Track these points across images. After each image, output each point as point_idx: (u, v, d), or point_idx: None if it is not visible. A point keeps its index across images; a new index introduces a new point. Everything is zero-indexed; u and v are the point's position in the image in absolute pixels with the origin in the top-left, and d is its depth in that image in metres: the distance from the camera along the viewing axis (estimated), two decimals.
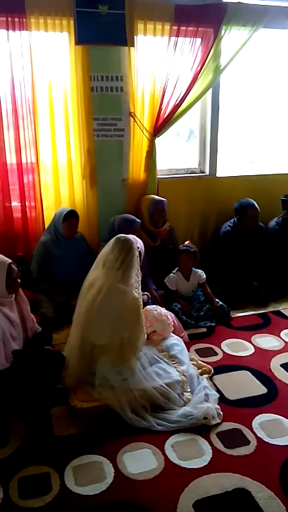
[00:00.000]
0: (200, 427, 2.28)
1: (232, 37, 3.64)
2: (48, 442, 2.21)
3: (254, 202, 3.78)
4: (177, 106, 3.58)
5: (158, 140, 3.68)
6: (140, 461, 2.09)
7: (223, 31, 3.58)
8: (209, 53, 3.58)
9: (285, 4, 3.79)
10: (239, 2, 3.63)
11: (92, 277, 2.54)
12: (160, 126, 3.58)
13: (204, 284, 3.53)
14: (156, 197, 3.63)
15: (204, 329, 3.34)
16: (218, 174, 4.09)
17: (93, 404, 2.32)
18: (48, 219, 3.46)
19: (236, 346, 3.12)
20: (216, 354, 3.01)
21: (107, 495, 1.91)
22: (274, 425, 2.33)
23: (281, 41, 4.00)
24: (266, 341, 3.20)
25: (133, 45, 3.37)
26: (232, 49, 3.67)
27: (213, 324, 3.39)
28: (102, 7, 3.24)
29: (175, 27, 3.43)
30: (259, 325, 3.43)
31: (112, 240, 2.52)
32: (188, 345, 3.02)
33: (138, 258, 2.58)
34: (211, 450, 2.15)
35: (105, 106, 3.48)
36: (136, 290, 2.49)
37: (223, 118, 4.05)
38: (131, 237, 2.55)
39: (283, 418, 2.39)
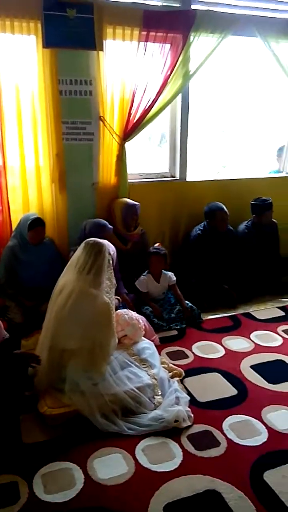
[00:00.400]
0: (171, 430, 2.28)
1: (201, 43, 3.69)
2: (16, 450, 2.17)
3: (223, 206, 3.83)
4: (146, 110, 3.59)
5: (129, 144, 3.68)
6: (111, 466, 2.07)
7: (192, 38, 3.62)
8: (178, 58, 3.61)
9: (254, 13, 3.87)
10: (207, 9, 3.69)
11: (63, 281, 2.52)
12: (130, 130, 3.59)
13: (174, 286, 3.55)
14: (129, 200, 3.64)
15: (175, 332, 3.35)
16: (188, 179, 4.12)
17: (62, 410, 2.29)
18: (15, 222, 3.41)
19: (207, 349, 3.14)
20: (187, 356, 3.02)
21: (77, 501, 1.88)
22: (244, 426, 2.35)
23: (250, 49, 4.07)
24: (236, 343, 3.23)
25: (102, 49, 3.37)
26: (201, 56, 3.71)
27: (184, 325, 3.41)
28: (70, 11, 3.23)
29: (144, 33, 3.45)
30: (230, 327, 3.47)
31: (82, 244, 2.50)
32: (159, 348, 3.02)
33: (110, 263, 2.57)
34: (181, 453, 2.15)
35: (74, 109, 3.46)
36: (108, 294, 2.48)
37: (194, 123, 4.09)
38: (102, 241, 2.54)
39: (252, 419, 2.41)
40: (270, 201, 4.03)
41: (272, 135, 4.90)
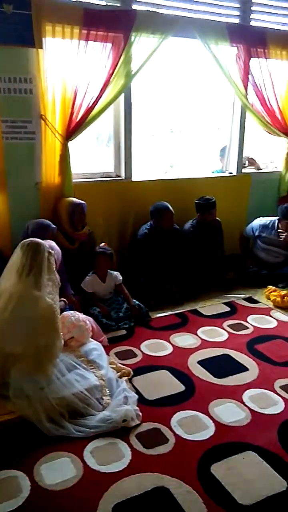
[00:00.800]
0: (120, 430, 2.28)
1: (143, 43, 3.71)
2: None
3: (168, 205, 3.88)
4: (89, 109, 3.56)
5: (76, 144, 3.63)
6: (58, 471, 2.04)
7: (133, 38, 3.63)
8: (120, 58, 3.61)
9: (194, 16, 3.94)
10: (148, 10, 3.71)
11: (3, 285, 2.44)
12: (73, 129, 3.55)
13: (121, 285, 3.56)
14: (75, 200, 3.59)
15: (124, 332, 3.35)
16: (134, 178, 4.13)
17: (5, 418, 2.22)
18: None
19: (155, 347, 3.16)
20: (135, 355, 3.03)
21: (22, 510, 1.83)
22: (192, 421, 2.39)
23: (195, 50, 4.13)
24: (183, 339, 3.28)
25: (41, 47, 3.30)
26: (143, 56, 3.73)
27: (132, 324, 3.42)
28: (6, 6, 3.14)
29: (84, 31, 3.41)
30: (177, 325, 3.52)
31: (18, 246, 2.45)
32: (108, 349, 3.01)
33: (53, 263, 2.53)
34: (130, 452, 2.16)
35: (13, 108, 3.37)
36: (50, 295, 2.43)
37: (142, 123, 4.11)
38: (39, 240, 2.49)
39: (200, 413, 2.46)
40: (213, 200, 4.12)
41: (216, 135, 5.02)
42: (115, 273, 3.54)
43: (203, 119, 5.14)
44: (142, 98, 4.34)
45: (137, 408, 2.41)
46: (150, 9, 3.73)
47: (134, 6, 3.65)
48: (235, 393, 2.65)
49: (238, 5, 4.18)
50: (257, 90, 4.38)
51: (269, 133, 4.64)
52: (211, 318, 3.64)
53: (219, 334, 3.39)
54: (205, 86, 4.68)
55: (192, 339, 3.30)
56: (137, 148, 4.12)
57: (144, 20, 3.63)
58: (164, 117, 5.04)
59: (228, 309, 3.83)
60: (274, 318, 3.67)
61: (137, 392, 2.60)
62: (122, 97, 3.82)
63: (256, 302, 4.00)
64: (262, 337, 3.35)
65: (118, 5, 3.62)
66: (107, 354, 2.90)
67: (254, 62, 4.30)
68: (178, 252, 4.01)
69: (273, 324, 3.58)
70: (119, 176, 4.09)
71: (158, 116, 5.03)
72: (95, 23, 3.43)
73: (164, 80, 4.50)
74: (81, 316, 2.85)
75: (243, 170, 4.79)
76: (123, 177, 4.06)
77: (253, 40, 4.20)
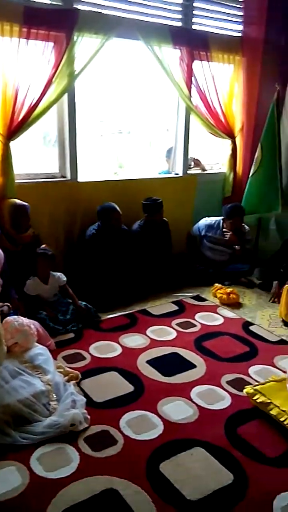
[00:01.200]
0: (68, 435, 2.25)
1: (86, 44, 3.67)
2: None
3: (116, 206, 3.87)
4: (32, 109, 3.48)
5: (21, 144, 3.54)
6: (4, 481, 1.97)
7: (75, 37, 3.59)
8: (62, 58, 3.55)
9: (137, 18, 3.96)
10: (90, 10, 3.69)
11: None
12: (15, 129, 3.45)
13: (65, 286, 3.49)
14: (18, 201, 3.50)
15: (72, 335, 3.30)
16: (80, 179, 4.08)
17: None
18: None
19: (104, 348, 3.14)
20: (84, 358, 3.00)
21: None
22: (141, 421, 2.40)
23: (140, 51, 4.15)
24: (133, 340, 3.28)
25: None
26: (86, 56, 3.70)
27: (80, 326, 3.38)
28: None
29: (25, 29, 3.33)
30: (127, 325, 3.52)
31: None
32: (55, 353, 2.96)
33: None
34: (78, 456, 2.13)
35: None
36: None
37: (90, 124, 4.07)
38: None
39: (149, 413, 2.47)
40: (160, 200, 4.16)
41: (164, 136, 5.07)
42: (58, 274, 3.48)
43: (152, 120, 5.18)
44: (89, 98, 4.31)
45: (85, 411, 2.39)
46: (93, 9, 3.71)
47: (76, 6, 3.61)
48: (183, 390, 2.68)
49: (180, 9, 4.24)
50: (200, 93, 4.46)
51: (213, 134, 4.74)
52: (160, 318, 3.67)
53: (168, 333, 3.42)
54: (151, 87, 4.72)
55: (141, 339, 3.31)
56: (85, 149, 4.08)
57: (87, 20, 3.60)
58: (113, 118, 5.04)
59: (176, 308, 3.88)
60: (220, 315, 3.76)
61: (86, 395, 2.58)
62: (65, 97, 3.77)
63: (203, 300, 4.07)
64: (209, 334, 3.42)
65: (60, 3, 3.56)
66: (55, 358, 2.85)
67: (197, 65, 4.38)
68: (127, 253, 4.01)
69: (219, 321, 3.66)
70: (64, 177, 4.03)
71: (106, 117, 5.01)
72: (36, 21, 3.35)
73: (111, 81, 4.50)
74: (25, 320, 2.78)
75: (189, 171, 4.86)
76: (69, 178, 4.00)
77: (195, 43, 4.27)
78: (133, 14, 3.95)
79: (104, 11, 3.77)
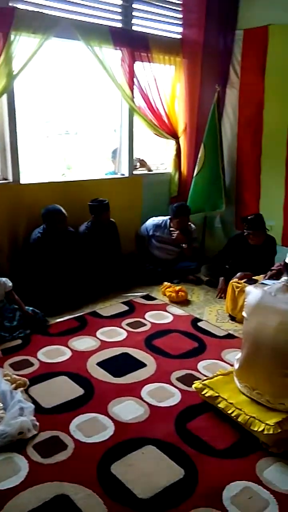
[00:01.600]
0: (16, 443, 2.19)
1: (24, 43, 3.60)
2: None
3: (61, 208, 3.82)
4: None
5: None
6: None
7: (12, 36, 3.51)
8: None
9: (77, 18, 3.92)
10: (27, 9, 3.61)
11: None
12: None
13: (11, 292, 3.39)
14: None
15: (20, 341, 3.22)
16: (23, 181, 3.99)
17: None
18: None
19: (53, 353, 3.09)
20: (32, 364, 2.93)
21: None
22: (91, 424, 2.38)
23: (82, 52, 4.11)
24: (82, 343, 3.25)
25: None
26: (25, 56, 3.63)
27: (28, 332, 3.30)
28: None
29: None
30: (76, 328, 3.47)
31: None
32: (1, 361, 2.89)
33: None
34: (27, 464, 2.08)
35: None
36: None
37: (35, 125, 3.98)
38: None
39: (99, 415, 2.45)
40: (106, 201, 4.15)
41: (112, 137, 5.06)
42: (4, 279, 3.38)
43: (99, 120, 5.15)
44: (33, 99, 4.22)
45: (34, 418, 2.34)
46: (30, 8, 3.64)
47: (12, 4, 3.53)
48: (134, 390, 2.69)
49: (120, 10, 4.25)
50: (143, 94, 4.49)
51: (157, 135, 4.78)
52: (110, 319, 3.66)
53: (118, 333, 3.42)
54: (97, 87, 4.69)
55: (91, 341, 3.28)
56: (30, 151, 3.99)
57: (24, 19, 3.53)
58: (59, 118, 4.97)
59: (126, 308, 3.88)
60: (170, 313, 3.80)
61: (34, 401, 2.52)
62: (4, 98, 3.67)
63: (153, 299, 4.11)
64: (159, 332, 3.45)
65: None
66: (1, 366, 2.78)
67: (138, 66, 4.41)
68: (74, 255, 3.97)
69: (169, 319, 3.71)
70: (6, 179, 3.92)
71: (52, 117, 4.94)
72: None
73: (56, 81, 4.43)
74: None
75: (135, 172, 4.89)
76: (11, 180, 3.90)
77: (136, 44, 4.29)
78: (72, 14, 3.92)
79: (43, 11, 3.71)
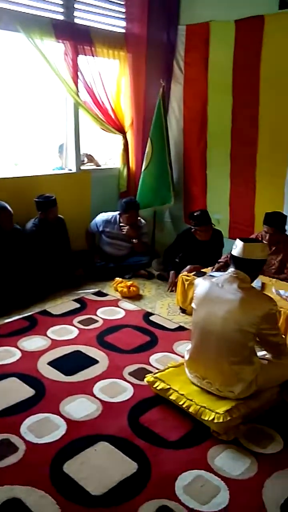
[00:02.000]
0: None
1: None
2: None
3: (5, 205, 3.71)
4: None
5: None
6: None
7: None
8: None
9: (17, 8, 3.81)
10: None
11: None
12: None
13: None
14: None
15: None
16: None
17: None
18: None
19: (1, 355, 3.00)
20: None
21: None
22: (42, 424, 2.34)
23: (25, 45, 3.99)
24: (32, 342, 3.18)
25: None
26: None
27: None
28: None
29: None
30: (26, 328, 3.39)
31: None
32: None
33: None
34: None
35: None
36: None
37: None
38: None
39: (51, 414, 2.41)
40: (53, 197, 4.08)
41: (53, 131, 4.96)
42: None
43: (40, 115, 5.02)
44: None
45: None
46: None
47: None
48: (86, 387, 2.67)
49: (61, 2, 4.17)
50: (88, 88, 4.43)
51: (104, 130, 4.75)
52: (61, 317, 3.60)
53: (69, 331, 3.37)
54: (41, 81, 4.57)
55: (41, 341, 3.22)
56: None
57: None
58: (2, 113, 4.78)
59: (78, 305, 3.84)
60: (122, 308, 3.80)
61: None
62: None
63: (105, 295, 4.09)
64: (111, 328, 3.44)
65: None
66: None
67: (82, 60, 4.35)
68: (21, 253, 3.87)
69: (121, 314, 3.70)
70: None
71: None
72: None
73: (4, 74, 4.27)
74: None
75: (82, 167, 4.83)
76: None
77: (78, 37, 4.23)
78: (13, 4, 3.80)
79: None
